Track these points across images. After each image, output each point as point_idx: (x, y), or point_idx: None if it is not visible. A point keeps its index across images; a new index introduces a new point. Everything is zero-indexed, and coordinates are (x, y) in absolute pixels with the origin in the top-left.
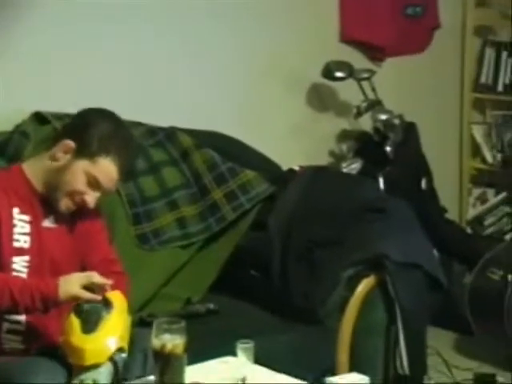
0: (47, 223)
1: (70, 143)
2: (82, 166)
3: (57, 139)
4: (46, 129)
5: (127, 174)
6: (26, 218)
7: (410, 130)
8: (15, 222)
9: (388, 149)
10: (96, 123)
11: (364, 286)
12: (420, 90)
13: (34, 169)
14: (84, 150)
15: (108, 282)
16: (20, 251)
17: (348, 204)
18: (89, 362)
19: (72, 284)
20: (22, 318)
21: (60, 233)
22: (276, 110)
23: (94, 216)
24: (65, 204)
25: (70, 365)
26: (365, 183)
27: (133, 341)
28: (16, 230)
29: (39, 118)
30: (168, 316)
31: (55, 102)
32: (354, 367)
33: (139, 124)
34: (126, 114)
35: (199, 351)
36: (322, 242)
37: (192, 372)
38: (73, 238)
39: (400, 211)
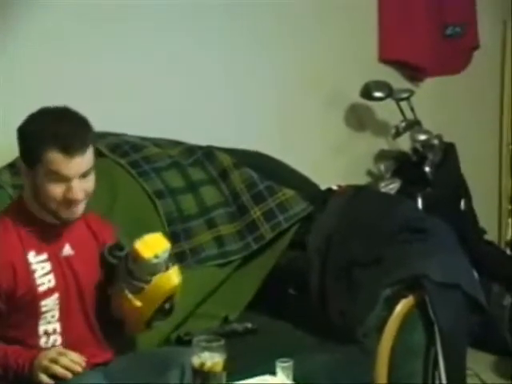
0: (65, 252)
1: (21, 164)
2: (41, 173)
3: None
4: None
5: (81, 142)
6: (44, 256)
7: (448, 150)
8: (34, 267)
9: (427, 169)
10: (23, 132)
11: (403, 306)
12: (459, 111)
13: (28, 199)
14: (30, 161)
15: (81, 362)
16: (48, 293)
17: (387, 223)
18: None
19: (47, 361)
20: (58, 338)
21: (80, 259)
22: (314, 129)
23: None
24: (65, 213)
25: None
26: (404, 203)
27: (170, 357)
28: (37, 274)
29: None
30: (206, 334)
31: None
32: None
33: (177, 143)
34: (164, 132)
35: (238, 370)
36: (361, 262)
37: None
38: (97, 263)
39: (440, 231)
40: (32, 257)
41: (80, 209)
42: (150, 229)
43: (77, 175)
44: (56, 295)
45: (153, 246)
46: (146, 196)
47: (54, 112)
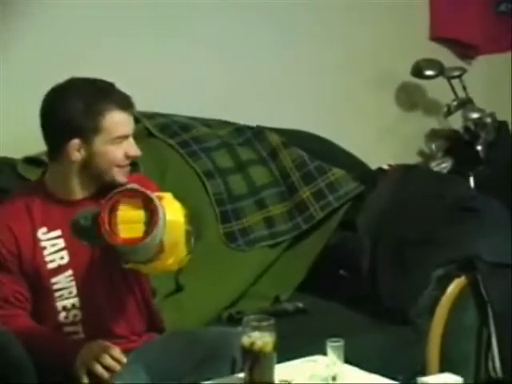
0: None
1: (74, 141)
2: (100, 142)
3: (56, 145)
4: (137, 127)
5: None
6: (57, 233)
7: (501, 128)
8: (43, 244)
9: (479, 148)
10: (65, 107)
11: (455, 286)
12: None
13: (56, 179)
14: (88, 133)
15: (123, 360)
16: (58, 270)
17: (439, 203)
18: None
19: (89, 357)
20: (78, 313)
21: None
22: (364, 109)
23: None
24: (119, 175)
25: None
26: (456, 182)
27: (219, 347)
28: (46, 251)
29: None
30: (256, 314)
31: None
32: (444, 369)
33: (226, 123)
34: (213, 113)
35: (288, 349)
36: (413, 241)
37: (281, 370)
38: None
39: (492, 210)
40: (41, 234)
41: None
42: (200, 209)
43: (132, 132)
44: (69, 272)
45: (133, 218)
46: (196, 176)
47: (84, 82)
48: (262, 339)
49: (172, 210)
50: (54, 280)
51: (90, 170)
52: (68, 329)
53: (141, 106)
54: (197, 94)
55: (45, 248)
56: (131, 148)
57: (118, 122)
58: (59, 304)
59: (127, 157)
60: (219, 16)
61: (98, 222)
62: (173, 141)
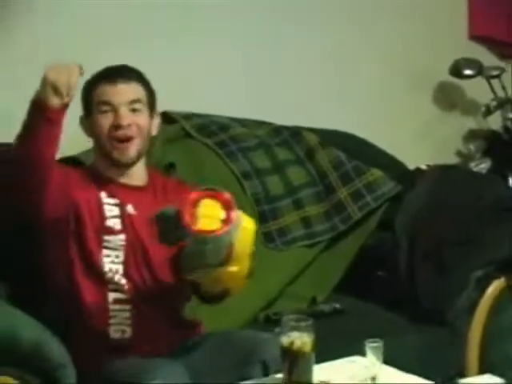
0: (129, 210)
1: (83, 121)
2: (94, 116)
3: None
4: (174, 128)
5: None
6: (115, 201)
7: None
8: (104, 205)
9: None
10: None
11: (494, 287)
12: None
13: (97, 161)
14: (87, 108)
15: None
16: (112, 231)
17: (479, 203)
18: None
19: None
20: (122, 279)
21: (143, 221)
22: (402, 109)
23: None
24: (117, 152)
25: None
26: (495, 182)
27: (252, 351)
28: (105, 211)
29: (167, 117)
30: (294, 314)
31: (181, 102)
32: (484, 370)
33: (264, 123)
34: (250, 113)
35: (326, 350)
36: (451, 242)
37: (320, 371)
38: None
39: None
40: (104, 196)
41: (132, 149)
42: (238, 209)
43: (123, 102)
44: (122, 237)
45: (212, 214)
46: (233, 176)
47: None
48: (301, 339)
49: (246, 221)
50: (106, 238)
51: (98, 147)
52: (114, 295)
53: (177, 106)
54: (234, 94)
55: (104, 208)
56: (117, 118)
57: (102, 92)
58: (107, 265)
59: (115, 127)
60: (254, 15)
61: (180, 215)
62: (210, 141)
